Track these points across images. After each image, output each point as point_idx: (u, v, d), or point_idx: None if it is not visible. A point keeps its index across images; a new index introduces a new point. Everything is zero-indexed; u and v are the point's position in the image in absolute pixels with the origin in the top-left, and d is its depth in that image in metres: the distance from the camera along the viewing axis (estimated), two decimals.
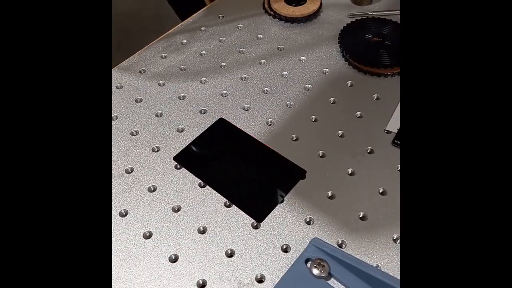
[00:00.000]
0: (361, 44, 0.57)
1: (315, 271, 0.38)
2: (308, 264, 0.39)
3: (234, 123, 0.51)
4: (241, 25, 0.63)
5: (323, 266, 0.38)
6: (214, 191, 0.45)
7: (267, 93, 0.54)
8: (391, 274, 0.38)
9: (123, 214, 0.44)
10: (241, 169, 0.47)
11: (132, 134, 0.51)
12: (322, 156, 0.47)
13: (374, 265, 0.39)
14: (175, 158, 0.48)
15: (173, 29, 0.64)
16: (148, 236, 0.42)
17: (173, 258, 0.40)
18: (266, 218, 0.43)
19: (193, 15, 0.66)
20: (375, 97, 0.53)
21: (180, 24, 0.65)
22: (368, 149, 0.48)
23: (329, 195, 0.44)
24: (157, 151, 0.49)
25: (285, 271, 0.39)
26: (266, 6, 0.65)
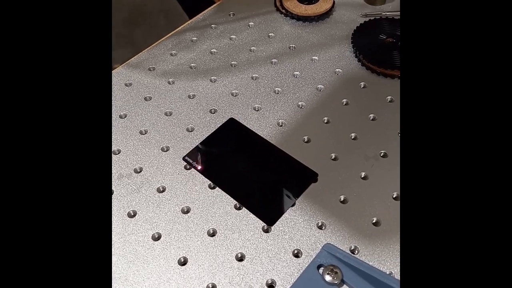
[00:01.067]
0: (374, 45, 0.56)
1: (328, 278, 0.37)
2: (321, 270, 0.38)
3: (244, 123, 0.50)
4: (252, 23, 0.62)
5: (336, 272, 0.38)
6: (224, 193, 0.44)
7: (278, 93, 0.53)
8: None
9: (132, 215, 0.43)
10: (251, 170, 0.46)
11: (141, 133, 0.50)
12: (334, 159, 0.47)
13: (387, 272, 0.39)
14: (184, 158, 0.47)
15: (182, 26, 0.63)
16: (157, 237, 0.41)
17: (182, 261, 0.40)
18: (277, 222, 0.42)
19: (203, 12, 0.65)
20: (389, 99, 0.52)
21: (190, 21, 0.64)
22: (381, 152, 0.47)
23: (342, 199, 0.43)
24: (167, 150, 0.48)
25: (296, 277, 0.38)
26: (278, 4, 0.63)
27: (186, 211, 0.43)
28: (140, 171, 0.46)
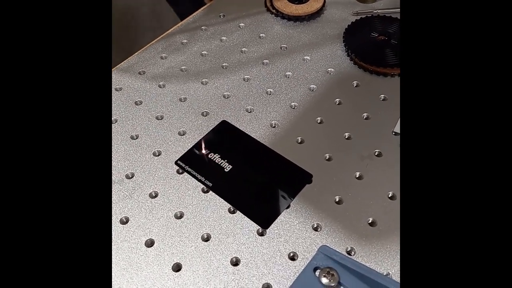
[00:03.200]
0: (366, 43, 0.56)
1: (324, 280, 0.37)
2: (317, 273, 0.38)
3: (237, 125, 0.49)
4: (242, 24, 0.62)
5: (333, 275, 0.37)
6: (218, 197, 0.43)
7: (270, 94, 0.53)
8: None
9: (124, 222, 0.42)
10: (245, 173, 0.46)
11: (132, 137, 0.49)
12: (328, 160, 0.46)
13: (385, 273, 0.38)
14: (177, 163, 0.46)
15: (172, 28, 0.62)
16: (150, 244, 0.41)
17: (176, 267, 0.39)
18: (272, 225, 0.41)
19: (193, 14, 0.64)
20: (382, 98, 0.51)
21: (180, 23, 0.63)
22: (376, 151, 0.46)
23: (337, 200, 0.43)
24: (158, 155, 0.47)
25: (292, 280, 0.38)
26: (268, 4, 0.63)
27: (179, 216, 0.42)
28: (132, 177, 0.45)
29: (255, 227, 0.41)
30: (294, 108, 0.51)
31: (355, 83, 0.53)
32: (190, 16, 0.64)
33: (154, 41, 0.60)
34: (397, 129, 0.48)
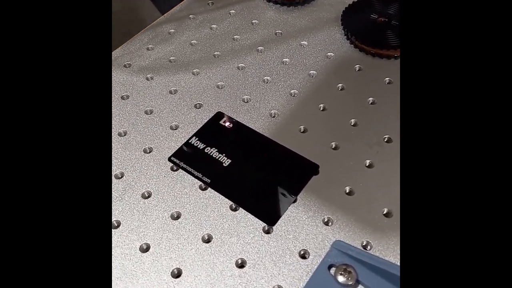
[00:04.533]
0: (366, 25, 0.52)
1: (341, 279, 0.33)
2: (332, 271, 0.34)
3: (234, 116, 0.46)
4: (233, 11, 0.58)
5: (350, 272, 0.34)
6: (218, 194, 0.40)
7: (267, 82, 0.49)
8: None
9: (115, 226, 0.38)
10: (245, 167, 0.42)
11: (120, 134, 0.45)
12: (335, 148, 0.43)
13: None
14: (170, 159, 0.43)
15: (158, 19, 0.58)
16: (145, 249, 0.37)
17: (176, 273, 0.35)
18: (279, 221, 0.38)
19: (180, 4, 0.60)
20: (387, 81, 0.48)
21: (166, 13, 0.59)
22: (385, 137, 0.43)
23: (347, 191, 0.40)
24: (150, 152, 0.43)
25: (305, 281, 0.34)
26: None
27: (176, 217, 0.39)
28: (122, 177, 0.41)
29: (260, 224, 0.38)
30: (294, 96, 0.47)
31: (357, 67, 0.50)
32: (177, 6, 0.60)
33: (138, 33, 0.57)
34: None
